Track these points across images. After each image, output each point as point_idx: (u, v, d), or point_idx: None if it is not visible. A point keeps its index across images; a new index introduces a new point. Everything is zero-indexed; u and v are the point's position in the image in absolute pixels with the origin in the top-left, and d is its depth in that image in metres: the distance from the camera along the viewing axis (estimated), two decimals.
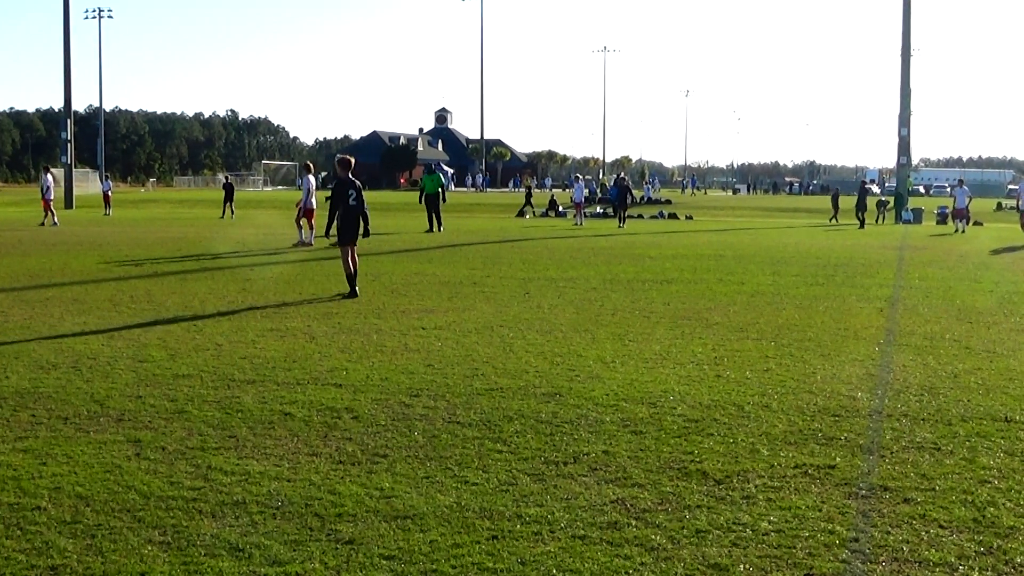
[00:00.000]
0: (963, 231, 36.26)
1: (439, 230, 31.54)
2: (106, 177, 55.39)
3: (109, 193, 48.14)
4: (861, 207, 41.12)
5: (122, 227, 34.59)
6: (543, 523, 5.19)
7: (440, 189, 32.97)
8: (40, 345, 10.21)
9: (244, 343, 10.45)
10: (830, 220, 45.18)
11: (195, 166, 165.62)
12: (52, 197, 35.26)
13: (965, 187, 39.23)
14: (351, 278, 14.44)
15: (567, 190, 76.72)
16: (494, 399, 7.94)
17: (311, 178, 25.81)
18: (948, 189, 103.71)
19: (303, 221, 25.33)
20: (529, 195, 51.46)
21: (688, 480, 5.94)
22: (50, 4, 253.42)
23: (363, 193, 14.70)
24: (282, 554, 4.76)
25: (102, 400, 7.82)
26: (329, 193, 15.10)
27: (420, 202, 33.88)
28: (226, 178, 51.89)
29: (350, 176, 14.64)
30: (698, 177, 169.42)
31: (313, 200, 25.30)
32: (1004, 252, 25.82)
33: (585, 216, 43.44)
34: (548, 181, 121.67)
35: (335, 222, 14.69)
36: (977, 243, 29.53)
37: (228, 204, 44.36)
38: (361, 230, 14.57)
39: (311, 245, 24.59)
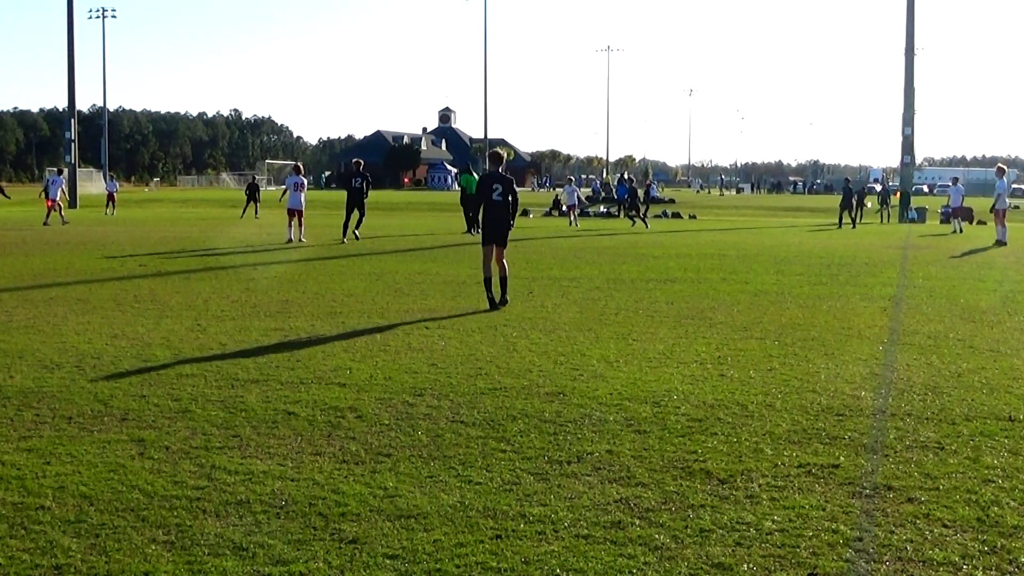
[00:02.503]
0: (961, 230, 35.72)
1: (476, 233, 30.60)
2: (111, 177, 55.22)
3: (114, 193, 47.97)
4: (847, 206, 40.23)
5: (125, 227, 34.62)
6: (547, 522, 5.19)
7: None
8: (44, 344, 10.22)
9: (248, 342, 10.45)
10: (862, 221, 43.83)
11: (199, 166, 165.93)
12: (54, 196, 35.78)
13: (959, 186, 39.03)
14: (487, 282, 13.25)
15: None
16: (498, 398, 7.94)
17: (299, 178, 26.62)
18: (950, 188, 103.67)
19: (293, 220, 26.39)
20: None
21: (692, 479, 5.93)
22: (54, 4, 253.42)
23: (515, 187, 13.74)
24: (286, 553, 4.76)
25: (106, 400, 7.82)
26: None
27: (461, 203, 32.27)
28: (252, 178, 51.71)
29: (499, 171, 13.76)
30: (701, 176, 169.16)
31: (301, 199, 26.20)
32: (967, 255, 25.74)
33: (588, 215, 43.25)
34: (547, 181, 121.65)
35: (479, 219, 13.75)
36: (971, 243, 29.44)
37: (254, 204, 44.07)
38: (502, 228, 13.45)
39: (292, 242, 25.87)
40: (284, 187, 27.29)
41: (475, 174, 32.95)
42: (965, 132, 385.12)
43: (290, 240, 26.02)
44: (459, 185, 33.99)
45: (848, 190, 41.09)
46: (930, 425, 7.20)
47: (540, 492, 5.68)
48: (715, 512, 5.36)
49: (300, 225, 26.27)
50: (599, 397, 7.98)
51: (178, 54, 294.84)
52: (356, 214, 26.19)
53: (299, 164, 28.76)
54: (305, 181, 26.82)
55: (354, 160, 28.72)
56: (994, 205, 28.62)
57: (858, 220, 40.82)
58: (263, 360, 9.48)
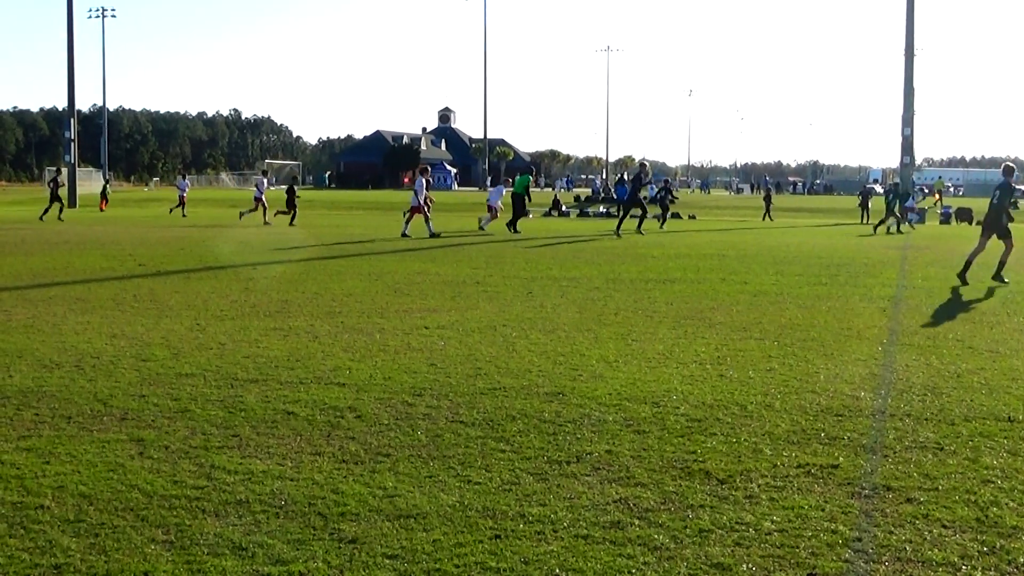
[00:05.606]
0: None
1: (514, 232, 31.62)
2: (182, 176, 51.01)
3: (184, 194, 44.91)
4: (864, 206, 41.22)
5: (125, 226, 34.59)
6: (546, 522, 5.19)
7: (525, 189, 33.85)
8: (43, 344, 10.22)
9: (247, 342, 10.45)
10: (863, 222, 43.30)
11: (198, 165, 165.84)
12: (261, 195, 37.04)
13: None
14: (968, 264, 17.11)
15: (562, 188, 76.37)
16: (497, 398, 7.94)
17: (423, 179, 29.45)
18: (951, 189, 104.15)
19: (418, 216, 28.84)
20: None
21: (691, 480, 5.93)
22: (54, 3, 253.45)
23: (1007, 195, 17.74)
24: (285, 553, 4.76)
25: (105, 399, 7.82)
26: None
27: (512, 202, 34.65)
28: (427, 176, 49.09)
29: (1012, 182, 17.97)
30: (700, 177, 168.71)
31: (422, 198, 28.91)
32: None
33: (588, 216, 43.27)
34: (541, 181, 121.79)
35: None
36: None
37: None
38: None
39: (439, 235, 28.43)
40: (415, 188, 29.87)
41: (531, 176, 35.33)
42: (965, 132, 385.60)
43: (404, 235, 28.32)
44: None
45: (864, 193, 43.00)
46: (929, 426, 7.20)
47: (539, 492, 5.68)
48: (714, 512, 5.36)
49: (427, 221, 28.62)
50: (598, 397, 7.98)
51: (178, 54, 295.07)
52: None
53: (426, 166, 31.26)
54: (423, 181, 29.26)
55: (641, 162, 35.00)
56: None
57: (863, 222, 41.41)
58: (262, 360, 9.48)
